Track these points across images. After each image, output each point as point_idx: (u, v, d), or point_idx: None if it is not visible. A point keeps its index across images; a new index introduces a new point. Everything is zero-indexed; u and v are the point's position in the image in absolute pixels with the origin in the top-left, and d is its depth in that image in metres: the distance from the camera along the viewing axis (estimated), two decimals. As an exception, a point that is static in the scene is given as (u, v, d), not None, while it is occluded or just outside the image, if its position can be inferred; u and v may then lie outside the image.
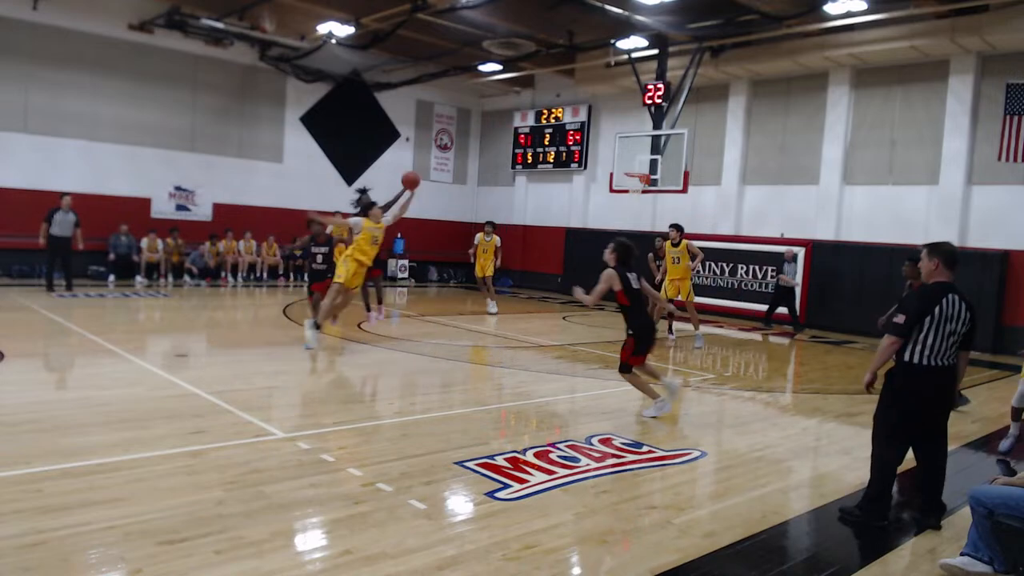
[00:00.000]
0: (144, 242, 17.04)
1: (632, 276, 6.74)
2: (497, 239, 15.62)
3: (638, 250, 6.94)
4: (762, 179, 17.51)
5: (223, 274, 18.00)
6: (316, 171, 20.49)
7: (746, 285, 17.10)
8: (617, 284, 6.62)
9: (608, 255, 6.77)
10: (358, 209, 9.92)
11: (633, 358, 6.78)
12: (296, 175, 20.01)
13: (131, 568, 3.50)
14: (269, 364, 8.49)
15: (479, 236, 15.44)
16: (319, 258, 9.19)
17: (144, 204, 17.71)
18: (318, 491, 4.60)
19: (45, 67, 16.11)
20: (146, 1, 16.40)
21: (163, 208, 18.03)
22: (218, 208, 18.76)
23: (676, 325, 12.64)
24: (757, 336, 14.58)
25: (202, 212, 18.55)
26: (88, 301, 13.53)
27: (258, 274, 18.45)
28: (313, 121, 20.36)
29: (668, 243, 12.13)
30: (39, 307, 12.02)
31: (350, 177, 21.26)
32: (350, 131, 21.05)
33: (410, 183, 9.69)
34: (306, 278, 10.20)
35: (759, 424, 7.17)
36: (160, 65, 17.52)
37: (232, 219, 18.50)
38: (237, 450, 5.31)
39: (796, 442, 6.61)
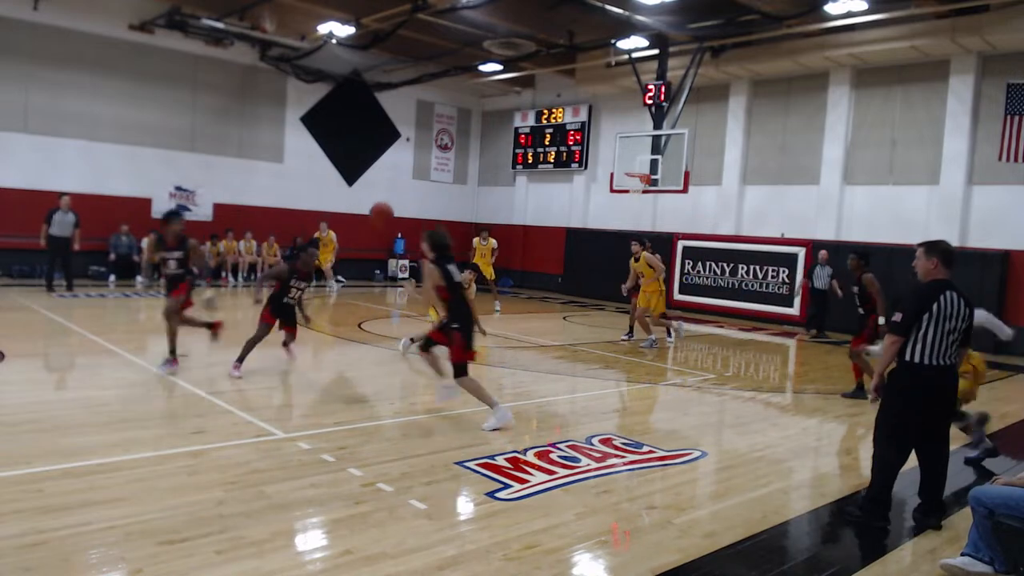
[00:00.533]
0: (145, 242, 17.03)
1: (453, 268, 6.33)
2: (493, 242, 15.79)
3: (452, 239, 6.50)
4: (762, 179, 17.51)
5: (223, 274, 17.99)
6: (316, 171, 20.50)
7: (746, 285, 17.09)
8: (438, 279, 6.21)
9: (424, 247, 6.34)
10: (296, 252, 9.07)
11: (466, 354, 6.28)
12: (296, 175, 20.01)
13: (132, 568, 3.50)
14: (270, 364, 8.47)
15: (475, 240, 15.77)
16: (172, 264, 8.10)
17: (145, 204, 17.71)
18: (319, 491, 4.60)
19: (45, 67, 16.11)
20: (146, 1, 16.40)
21: (164, 208, 17.99)
22: (218, 208, 18.76)
23: (676, 324, 12.61)
24: (757, 336, 14.56)
25: (203, 212, 18.55)
26: (89, 301, 13.53)
27: (259, 274, 18.42)
28: (313, 121, 20.37)
29: (632, 259, 11.85)
30: (39, 307, 12.02)
31: (351, 177, 21.27)
32: (350, 131, 21.06)
33: (376, 215, 7.97)
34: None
35: (759, 424, 7.16)
36: (160, 65, 17.52)
37: (232, 219, 18.51)
38: (238, 450, 5.32)
39: (797, 442, 6.61)
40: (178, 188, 18.22)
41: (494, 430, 6.16)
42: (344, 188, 21.15)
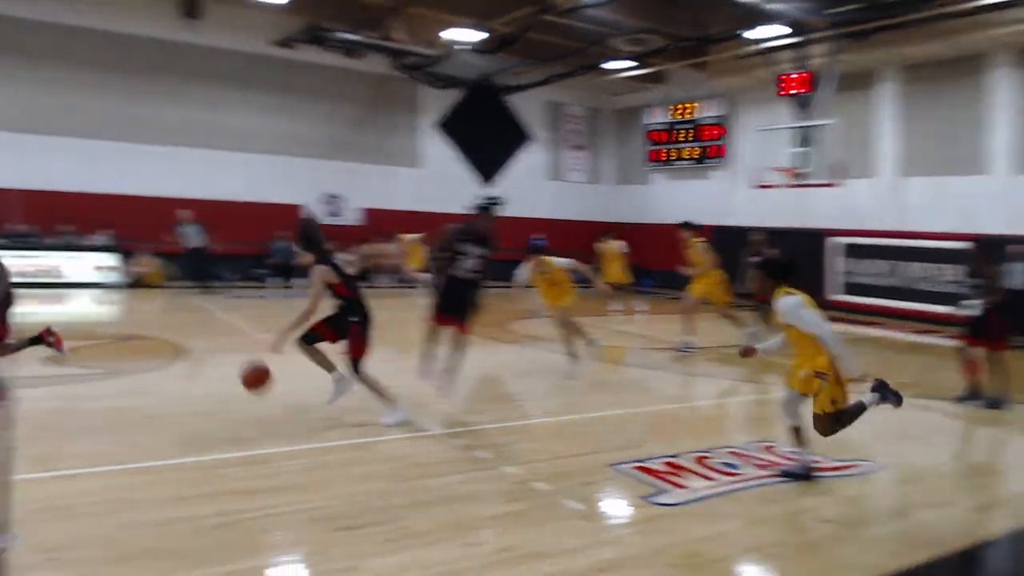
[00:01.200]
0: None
1: (339, 262, 6.01)
2: (619, 244, 15.53)
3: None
4: (922, 170, 16.14)
5: (374, 276, 18.71)
6: (453, 175, 21.02)
7: (912, 284, 15.79)
8: (332, 277, 5.82)
9: (299, 249, 6.05)
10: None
11: (364, 350, 5.96)
12: (434, 179, 20.62)
13: (312, 551, 3.72)
14: (416, 361, 8.64)
15: (600, 245, 15.70)
16: None
17: (298, 211, 18.86)
18: (475, 487, 4.69)
19: (202, 85, 17.49)
20: (288, 18, 17.32)
21: (315, 214, 19.14)
22: (365, 213, 19.66)
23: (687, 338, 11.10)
24: (930, 339, 13.36)
25: (352, 217, 19.51)
26: (253, 302, 14.59)
27: (406, 276, 18.99)
28: (446, 126, 20.93)
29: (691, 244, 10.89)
30: (213, 308, 13.04)
31: (487, 179, 21.66)
32: (482, 135, 21.46)
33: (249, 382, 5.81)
34: None
35: (941, 436, 6.57)
36: (303, 79, 18.62)
37: (379, 223, 19.28)
38: (398, 444, 5.52)
39: (986, 457, 6.01)
40: (327, 195, 19.26)
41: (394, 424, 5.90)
42: (482, 190, 21.58)
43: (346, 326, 5.92)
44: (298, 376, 7.68)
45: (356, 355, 5.92)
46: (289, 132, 18.61)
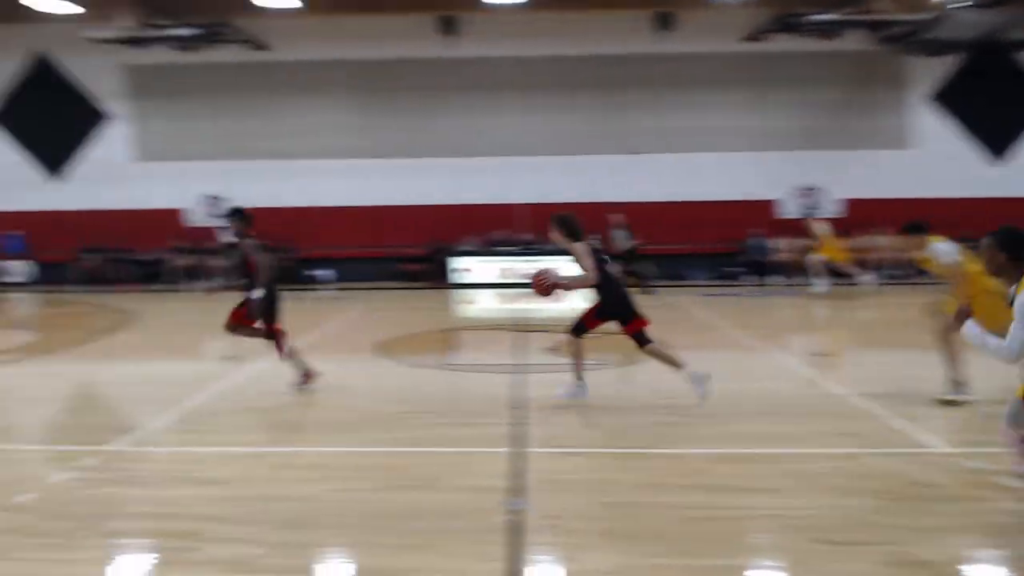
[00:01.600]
0: (774, 243, 17.64)
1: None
2: None
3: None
4: None
5: (857, 272, 17.18)
6: (953, 152, 18.10)
7: None
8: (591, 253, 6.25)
9: (558, 235, 6.39)
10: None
11: (592, 320, 6.22)
12: (929, 160, 18.01)
13: (793, 560, 3.48)
14: (916, 368, 7.44)
15: None
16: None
17: (771, 206, 18.43)
18: (1003, 519, 3.88)
19: (676, 91, 18.28)
20: (756, 11, 16.99)
21: (789, 209, 18.43)
22: (847, 204, 18.20)
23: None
24: None
25: (831, 209, 18.24)
26: (727, 300, 14.72)
27: (898, 271, 17.00)
28: (944, 98, 18.15)
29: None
30: (687, 305, 13.56)
31: (998, 154, 18.14)
32: (991, 103, 18.09)
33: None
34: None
35: None
36: (773, 70, 18.09)
37: (862, 214, 17.64)
38: (890, 458, 4.87)
39: None
40: (802, 187, 18.42)
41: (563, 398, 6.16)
42: (990, 169, 18.15)
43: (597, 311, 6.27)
44: (770, 375, 7.42)
45: (584, 318, 6.26)
46: (760, 126, 18.40)
